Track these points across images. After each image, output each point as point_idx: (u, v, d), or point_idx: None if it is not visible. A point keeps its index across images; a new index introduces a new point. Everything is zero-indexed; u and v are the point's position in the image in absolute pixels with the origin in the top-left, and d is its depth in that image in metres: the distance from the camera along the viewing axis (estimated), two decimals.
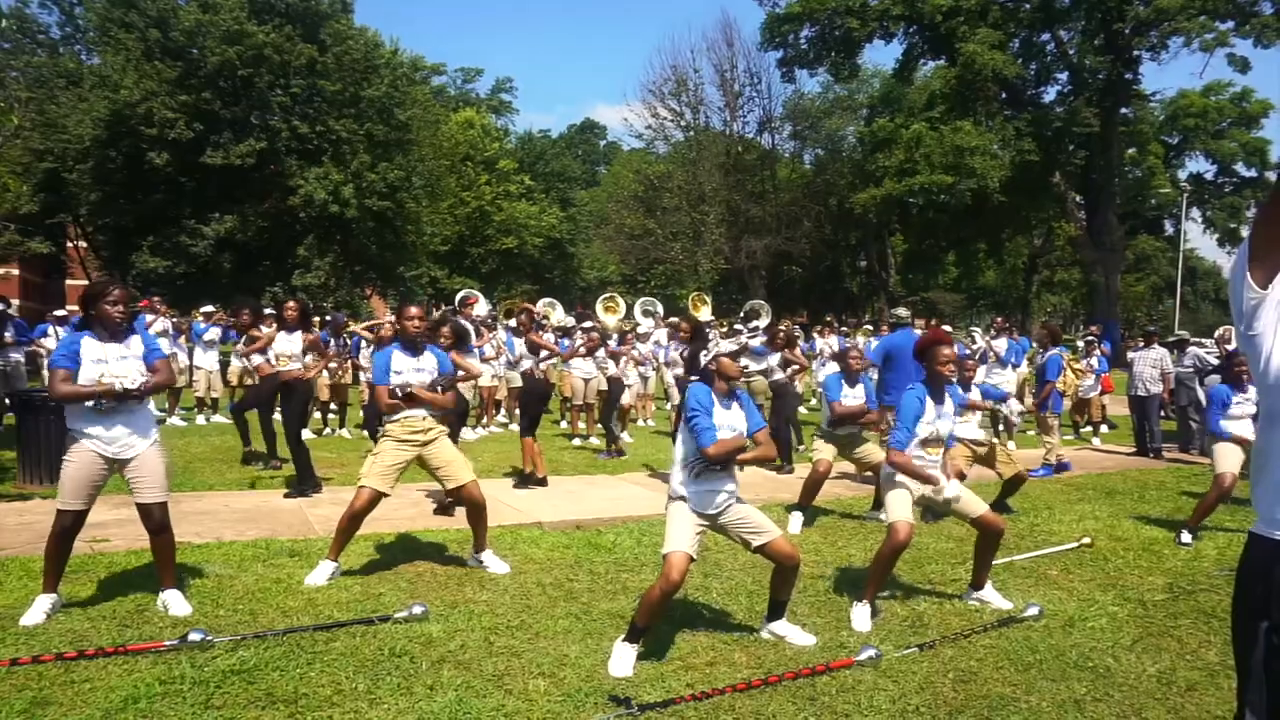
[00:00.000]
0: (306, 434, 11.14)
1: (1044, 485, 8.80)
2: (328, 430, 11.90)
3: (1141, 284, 52.50)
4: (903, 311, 9.12)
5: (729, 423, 3.92)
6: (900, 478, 4.61)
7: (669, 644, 4.03)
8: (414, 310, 5.26)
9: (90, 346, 4.12)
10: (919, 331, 8.48)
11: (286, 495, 7.29)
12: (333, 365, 11.71)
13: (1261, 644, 1.75)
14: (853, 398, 6.76)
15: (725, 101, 41.84)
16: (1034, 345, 13.94)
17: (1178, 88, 45.00)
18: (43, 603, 4.10)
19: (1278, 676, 1.73)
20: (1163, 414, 12.28)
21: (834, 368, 7.34)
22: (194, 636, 3.77)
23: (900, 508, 4.56)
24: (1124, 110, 35.13)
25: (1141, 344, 12.35)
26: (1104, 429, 13.52)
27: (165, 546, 4.27)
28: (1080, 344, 14.24)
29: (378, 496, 4.97)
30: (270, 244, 24.97)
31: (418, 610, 4.24)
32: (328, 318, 14.48)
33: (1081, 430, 13.56)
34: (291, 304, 8.33)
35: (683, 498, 3.92)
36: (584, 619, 4.36)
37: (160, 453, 4.26)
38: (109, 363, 4.12)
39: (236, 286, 23.21)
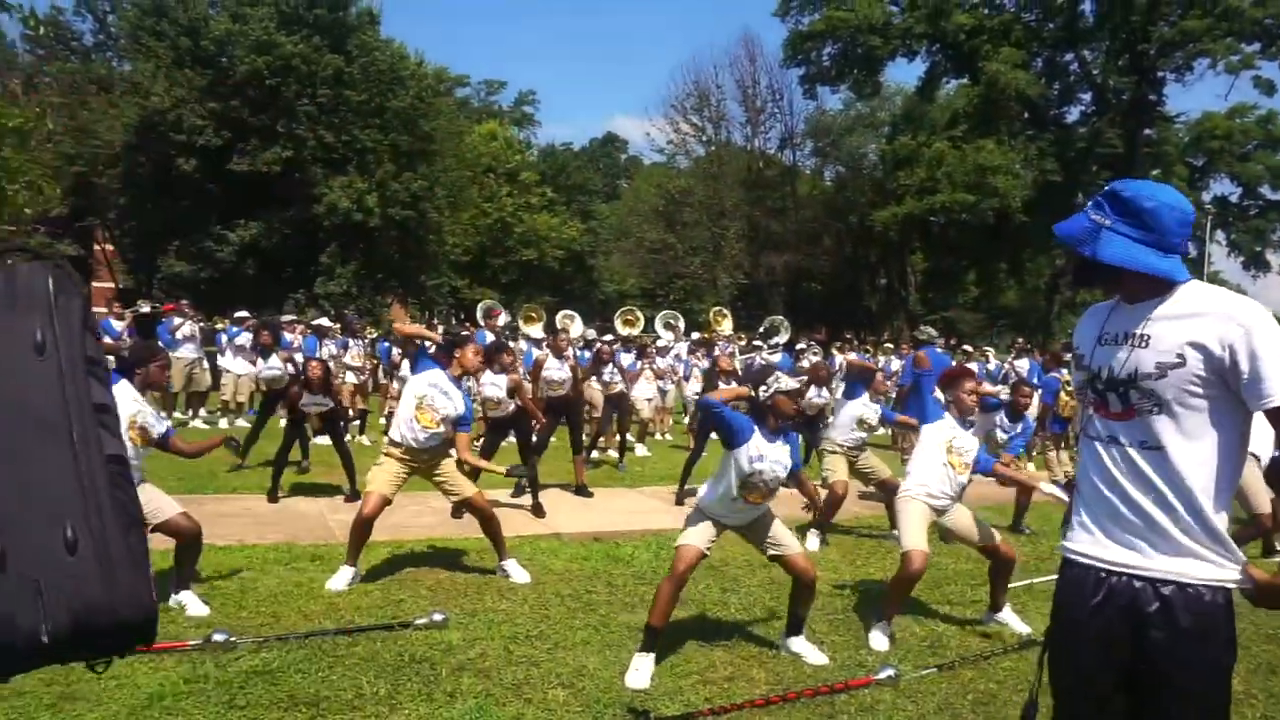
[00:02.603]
0: (324, 440, 11.27)
1: (1064, 507, 8.72)
2: (348, 437, 11.94)
3: None
4: (931, 330, 9.13)
5: (774, 457, 3.91)
6: (916, 496, 4.57)
7: (687, 658, 4.04)
8: (474, 348, 5.42)
9: None
10: (941, 350, 8.51)
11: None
12: (356, 365, 11.80)
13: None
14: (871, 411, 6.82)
15: (747, 117, 41.98)
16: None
17: (1202, 109, 44.63)
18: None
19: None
20: None
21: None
22: (218, 637, 3.82)
23: (915, 533, 4.47)
24: (1148, 131, 34.94)
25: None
26: None
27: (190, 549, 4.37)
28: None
29: (385, 502, 5.05)
30: (294, 251, 25.26)
31: (438, 617, 4.27)
32: (344, 318, 14.52)
33: None
34: (315, 364, 8.08)
35: (707, 508, 3.96)
36: (602, 631, 4.38)
37: None
38: None
39: (260, 292, 23.47)
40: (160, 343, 10.07)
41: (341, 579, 4.89)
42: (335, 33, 25.94)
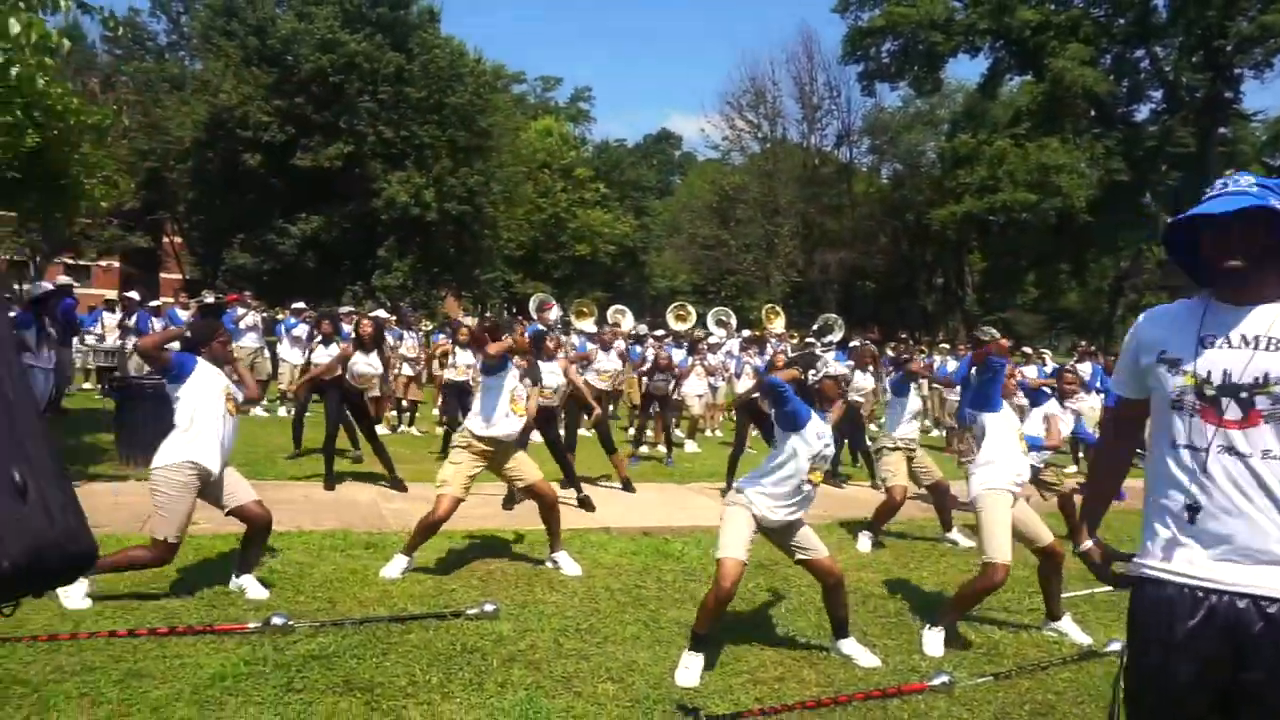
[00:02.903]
0: (382, 430, 11.47)
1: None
2: (401, 428, 12.17)
3: None
4: (993, 331, 8.95)
5: (829, 438, 4.01)
6: (1002, 487, 4.42)
7: (738, 656, 4.02)
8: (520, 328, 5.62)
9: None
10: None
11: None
12: (411, 357, 11.97)
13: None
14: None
15: (803, 114, 41.59)
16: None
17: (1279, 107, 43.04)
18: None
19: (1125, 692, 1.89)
20: None
21: None
22: (277, 620, 3.91)
23: (1003, 540, 4.30)
24: (1222, 130, 33.70)
25: None
26: None
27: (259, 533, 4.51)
28: None
29: (457, 503, 5.12)
30: (352, 245, 25.80)
31: (489, 608, 4.31)
32: (399, 310, 14.76)
33: None
34: (366, 321, 8.24)
35: (750, 503, 3.91)
36: (652, 626, 4.37)
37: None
38: None
39: (319, 285, 24.00)
40: None
41: (396, 567, 4.98)
42: (397, 30, 26.40)
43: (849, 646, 4.09)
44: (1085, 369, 10.56)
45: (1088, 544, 2.26)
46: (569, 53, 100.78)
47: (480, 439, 5.22)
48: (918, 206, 40.28)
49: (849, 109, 41.26)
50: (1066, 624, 4.65)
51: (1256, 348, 1.79)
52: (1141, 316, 2.06)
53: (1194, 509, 1.83)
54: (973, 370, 6.41)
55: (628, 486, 8.23)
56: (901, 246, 42.64)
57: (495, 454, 5.27)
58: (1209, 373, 1.82)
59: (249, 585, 4.44)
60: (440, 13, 28.46)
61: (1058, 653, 4.36)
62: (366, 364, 8.03)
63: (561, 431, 8.20)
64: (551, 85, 56.01)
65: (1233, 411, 1.80)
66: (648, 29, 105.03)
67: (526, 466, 5.34)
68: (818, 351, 11.21)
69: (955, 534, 6.80)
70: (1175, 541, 1.86)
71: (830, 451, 3.99)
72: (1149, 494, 1.97)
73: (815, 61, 40.50)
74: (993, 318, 39.78)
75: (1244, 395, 1.78)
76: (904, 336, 19.39)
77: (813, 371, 4.01)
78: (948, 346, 16.79)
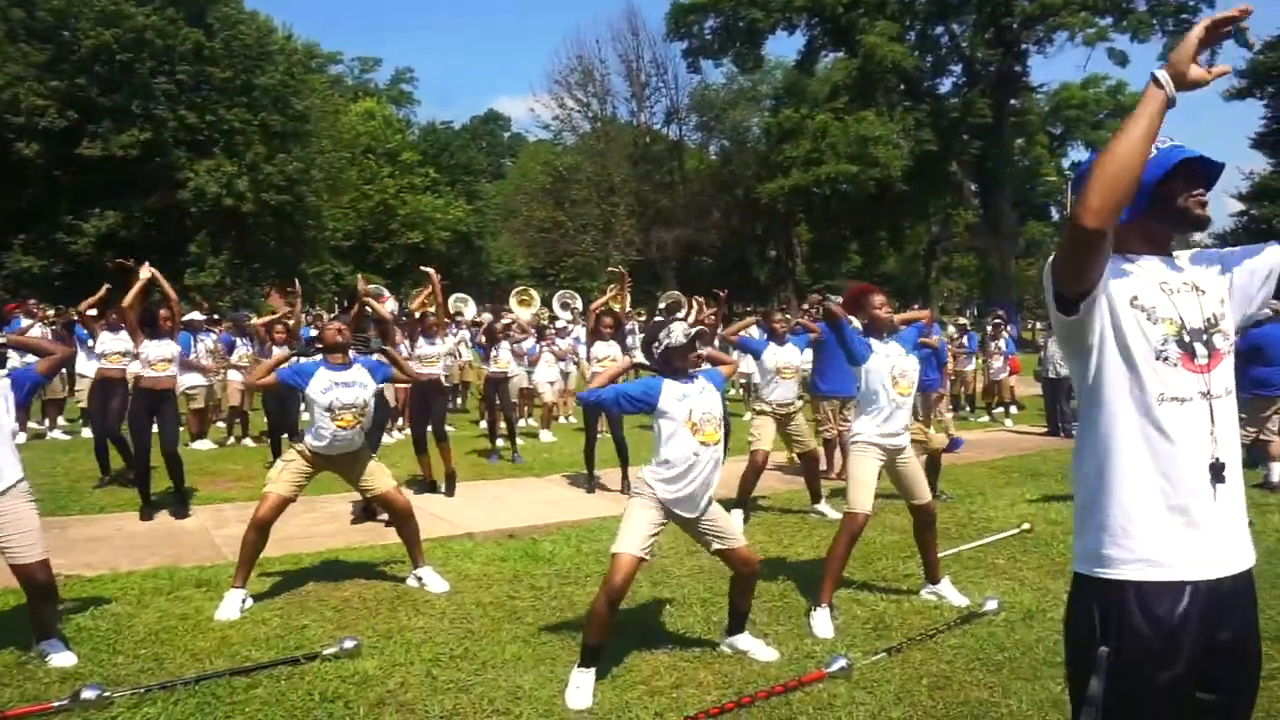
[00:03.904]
0: (207, 444, 10.42)
1: (972, 469, 8.91)
2: (231, 440, 11.12)
3: (1033, 268, 54.86)
4: (838, 299, 9.10)
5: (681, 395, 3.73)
6: (866, 445, 4.44)
7: (629, 666, 3.75)
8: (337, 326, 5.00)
9: None
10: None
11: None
12: (245, 366, 10.95)
13: (1103, 669, 1.68)
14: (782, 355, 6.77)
15: (632, 92, 41.68)
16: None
17: (1060, 81, 47.15)
18: None
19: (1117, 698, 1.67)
20: (1072, 394, 12.67)
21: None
22: (88, 694, 3.27)
23: (863, 491, 4.39)
24: (1013, 102, 36.52)
25: (1051, 326, 12.69)
26: (1013, 410, 13.90)
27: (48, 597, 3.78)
28: (988, 327, 14.58)
29: (284, 503, 4.58)
30: (159, 241, 23.51)
31: (348, 644, 3.83)
32: (232, 317, 13.54)
33: (994, 412, 13.91)
34: (164, 313, 7.07)
35: (653, 490, 3.62)
36: (533, 643, 4.04)
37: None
38: None
39: (122, 287, 21.76)
40: None
41: (231, 605, 4.37)
42: (193, 4, 24.15)
43: (744, 641, 3.91)
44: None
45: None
46: (386, 33, 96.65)
47: (302, 445, 4.71)
48: (746, 182, 41.36)
49: (676, 86, 41.75)
50: (945, 587, 4.69)
51: (1193, 289, 1.81)
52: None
53: (1167, 476, 1.70)
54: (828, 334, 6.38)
55: (449, 487, 7.62)
56: (733, 221, 43.69)
57: (325, 461, 4.73)
58: (1182, 319, 1.76)
59: (52, 651, 3.74)
60: None
61: (940, 618, 4.38)
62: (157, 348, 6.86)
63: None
64: (370, 66, 53.52)
65: (1201, 355, 1.75)
66: (468, 7, 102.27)
67: (377, 474, 4.84)
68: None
69: (824, 505, 6.84)
70: (1146, 529, 1.69)
71: (707, 404, 3.69)
72: (1107, 477, 1.74)
73: (641, 39, 40.65)
74: (821, 285, 41.58)
75: (1206, 337, 1.76)
76: (749, 309, 19.77)
77: (655, 344, 3.78)
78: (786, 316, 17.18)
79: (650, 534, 3.61)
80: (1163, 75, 1.59)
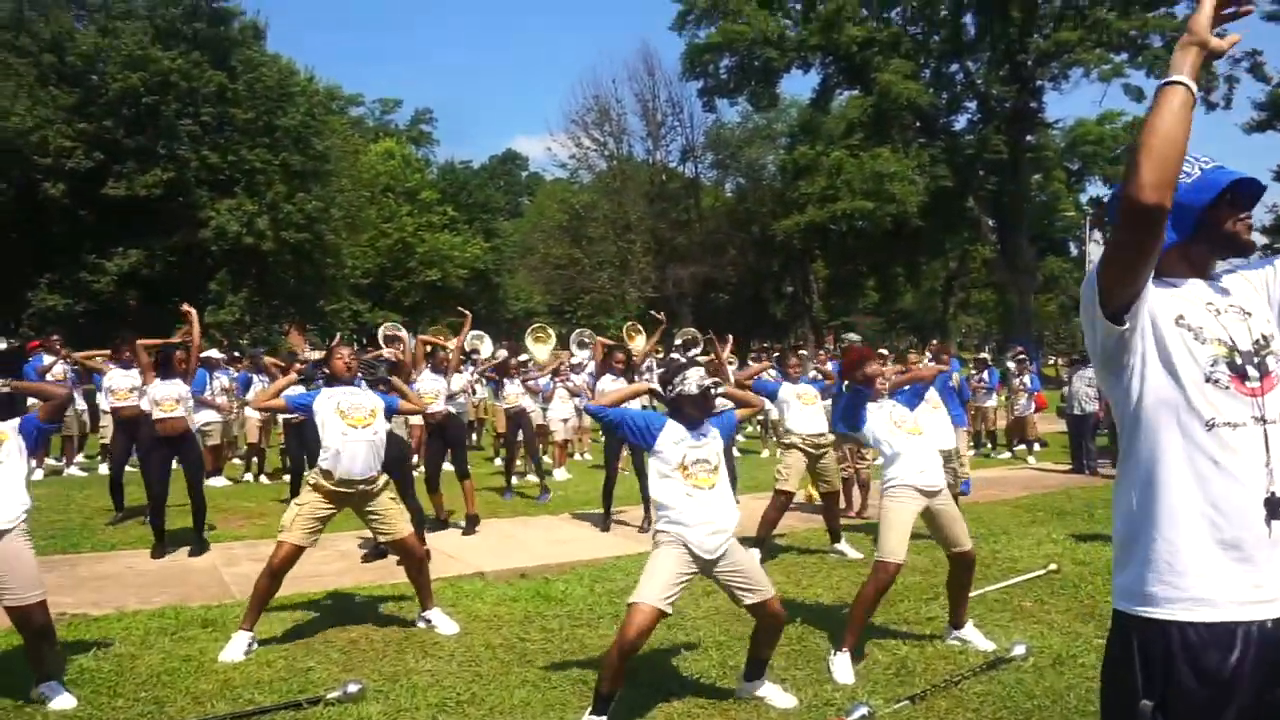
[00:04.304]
0: (221, 481, 10.39)
1: (995, 508, 8.71)
2: (248, 476, 11.08)
3: (1051, 303, 54.52)
4: (854, 336, 9.03)
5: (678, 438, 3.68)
6: (900, 488, 4.30)
7: (639, 710, 3.62)
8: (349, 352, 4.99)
9: None
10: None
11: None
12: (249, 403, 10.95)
13: None
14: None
15: (648, 131, 42.01)
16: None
17: (1075, 116, 47.31)
18: None
19: None
20: (1097, 430, 12.42)
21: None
22: None
23: (896, 539, 4.23)
24: (1029, 138, 36.55)
25: (1075, 362, 12.49)
26: (1036, 447, 13.66)
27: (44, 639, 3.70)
28: (1011, 364, 14.38)
29: (299, 553, 4.48)
30: (180, 279, 23.78)
31: (353, 688, 3.72)
32: (249, 354, 13.59)
33: (1016, 449, 13.67)
34: (179, 354, 7.03)
35: (680, 535, 3.47)
36: (542, 687, 3.92)
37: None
38: None
39: (144, 325, 21.96)
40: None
41: (237, 647, 4.27)
42: (217, 48, 24.68)
43: (764, 689, 3.76)
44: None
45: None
46: (407, 75, 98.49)
47: (323, 475, 4.60)
48: (762, 218, 41.47)
49: (692, 125, 42.06)
50: (970, 632, 4.53)
51: (1241, 311, 1.72)
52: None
53: (1224, 507, 1.57)
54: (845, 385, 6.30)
55: (469, 526, 7.59)
56: (749, 258, 43.74)
57: (346, 495, 4.64)
58: (1232, 339, 1.67)
59: (51, 694, 3.66)
60: (266, 28, 26.86)
61: (965, 664, 4.21)
62: (166, 387, 6.80)
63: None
64: (391, 107, 54.37)
65: (1253, 378, 1.64)
66: (487, 49, 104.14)
67: (394, 516, 4.72)
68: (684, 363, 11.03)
69: (844, 545, 6.68)
70: (1195, 567, 1.57)
71: (704, 452, 3.59)
72: (1151, 508, 1.63)
73: (657, 78, 41.05)
74: (838, 322, 41.48)
75: (1257, 359, 1.66)
76: (765, 345, 19.69)
77: (669, 386, 3.69)
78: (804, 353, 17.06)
79: (674, 584, 3.46)
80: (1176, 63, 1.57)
